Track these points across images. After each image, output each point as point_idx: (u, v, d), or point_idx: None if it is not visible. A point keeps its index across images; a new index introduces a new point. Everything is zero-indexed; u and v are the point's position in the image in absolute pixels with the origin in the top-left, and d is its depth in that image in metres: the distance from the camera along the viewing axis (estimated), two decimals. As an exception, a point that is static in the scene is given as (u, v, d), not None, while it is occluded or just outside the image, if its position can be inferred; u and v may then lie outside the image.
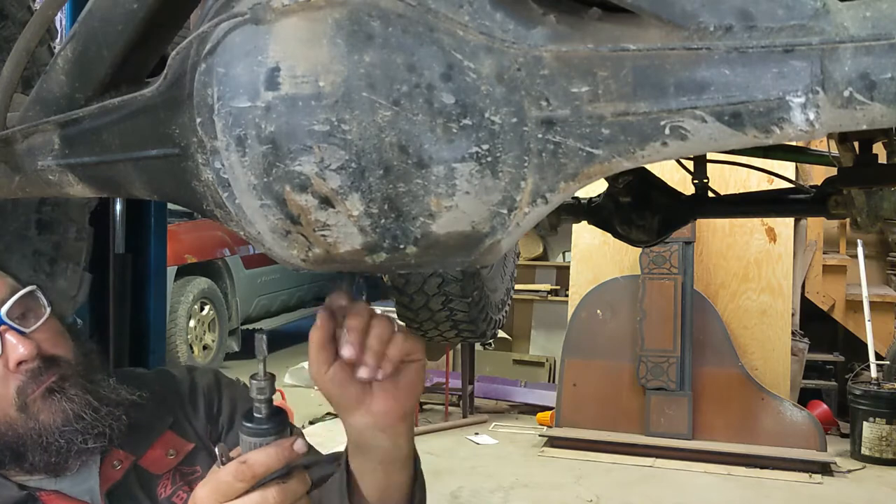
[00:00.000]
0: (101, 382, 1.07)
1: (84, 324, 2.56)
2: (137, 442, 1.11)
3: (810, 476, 4.67)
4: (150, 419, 1.13)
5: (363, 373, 0.85)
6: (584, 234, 5.73)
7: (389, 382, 0.89)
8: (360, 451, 0.95)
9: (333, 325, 0.86)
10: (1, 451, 1.02)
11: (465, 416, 5.84)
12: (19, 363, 1.00)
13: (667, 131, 0.62)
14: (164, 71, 0.76)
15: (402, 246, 0.73)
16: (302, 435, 0.86)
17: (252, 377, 0.87)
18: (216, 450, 0.86)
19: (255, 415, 0.86)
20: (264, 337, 0.85)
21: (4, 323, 1.01)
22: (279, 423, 0.86)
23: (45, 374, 1.02)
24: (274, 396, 0.87)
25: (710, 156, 1.91)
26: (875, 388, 5.05)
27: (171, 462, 1.13)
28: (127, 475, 1.10)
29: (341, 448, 1.01)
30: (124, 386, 1.11)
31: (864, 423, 5.01)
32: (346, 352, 0.85)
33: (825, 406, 5.64)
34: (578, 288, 5.70)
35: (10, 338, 1.01)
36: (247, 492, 0.83)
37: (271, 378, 0.87)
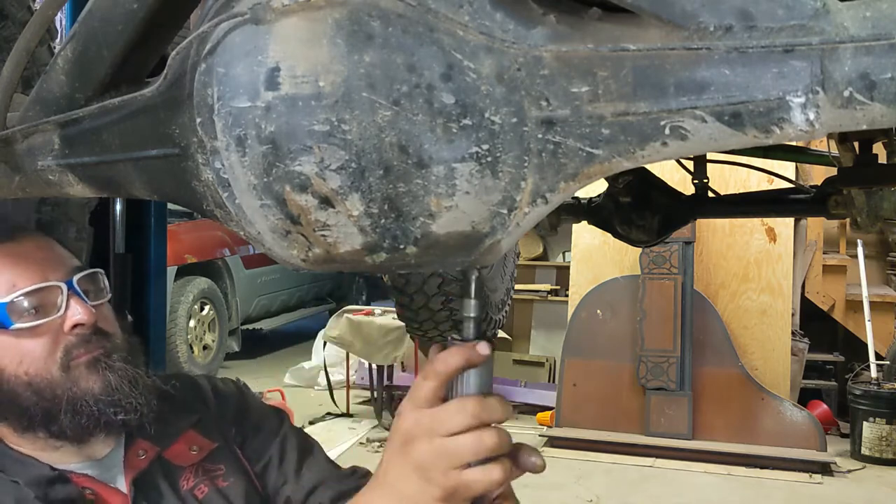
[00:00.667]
0: (140, 368, 1.11)
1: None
2: (162, 435, 1.14)
3: (810, 476, 4.67)
4: (176, 415, 1.16)
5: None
6: (584, 234, 5.73)
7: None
8: (378, 484, 0.90)
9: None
10: (34, 409, 1.04)
11: (465, 416, 5.83)
12: (74, 326, 1.05)
13: (667, 131, 0.62)
14: (164, 71, 0.76)
15: (402, 246, 0.73)
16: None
17: (465, 296, 0.86)
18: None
19: (463, 333, 0.86)
20: (476, 273, 0.85)
21: (73, 288, 1.07)
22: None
23: (94, 343, 1.06)
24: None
25: (710, 156, 1.91)
26: (875, 388, 5.05)
27: (195, 457, 1.16)
28: (152, 465, 1.13)
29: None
30: (158, 377, 1.14)
31: (864, 423, 5.01)
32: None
33: (825, 406, 5.64)
34: (578, 288, 5.70)
35: (74, 303, 1.06)
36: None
37: (482, 301, 0.86)
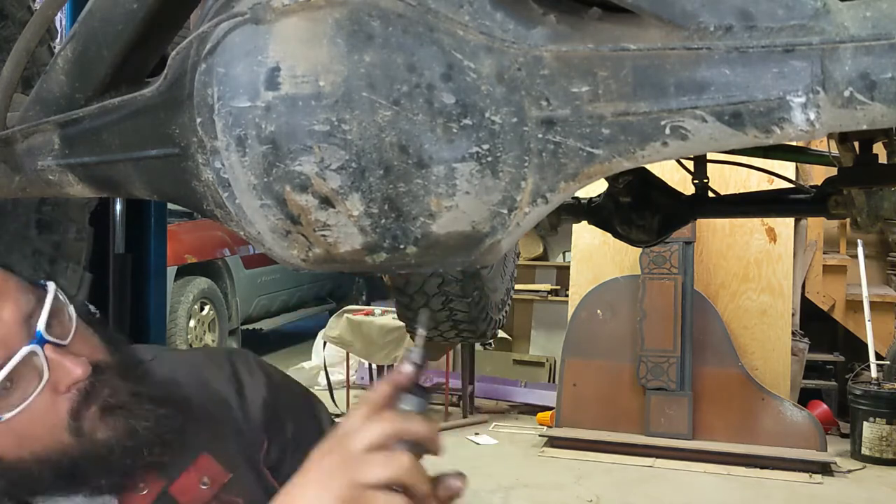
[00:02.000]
0: (144, 379, 0.95)
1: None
2: (170, 462, 0.95)
3: (810, 476, 4.67)
4: (187, 432, 0.96)
5: None
6: (584, 234, 5.73)
7: None
8: None
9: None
10: (55, 482, 0.89)
11: (465, 417, 5.83)
12: (69, 386, 0.87)
13: (667, 131, 0.62)
14: (164, 71, 0.76)
15: (402, 246, 0.73)
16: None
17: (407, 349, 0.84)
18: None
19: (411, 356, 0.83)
20: (426, 312, 0.82)
21: (47, 341, 0.86)
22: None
23: (96, 388, 0.88)
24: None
25: (710, 156, 1.91)
26: (875, 388, 5.05)
27: (205, 494, 0.98)
28: None
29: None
30: (163, 375, 0.98)
31: (865, 423, 5.01)
32: None
33: (825, 406, 5.64)
34: (578, 288, 5.70)
35: (56, 357, 0.86)
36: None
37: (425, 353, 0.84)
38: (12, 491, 0.90)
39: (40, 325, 0.86)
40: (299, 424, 1.10)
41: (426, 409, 0.82)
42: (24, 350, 0.84)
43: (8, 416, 0.85)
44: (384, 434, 0.75)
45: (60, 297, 0.91)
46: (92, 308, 1.01)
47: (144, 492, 0.95)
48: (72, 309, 0.92)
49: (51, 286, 0.91)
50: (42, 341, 0.86)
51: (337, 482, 0.74)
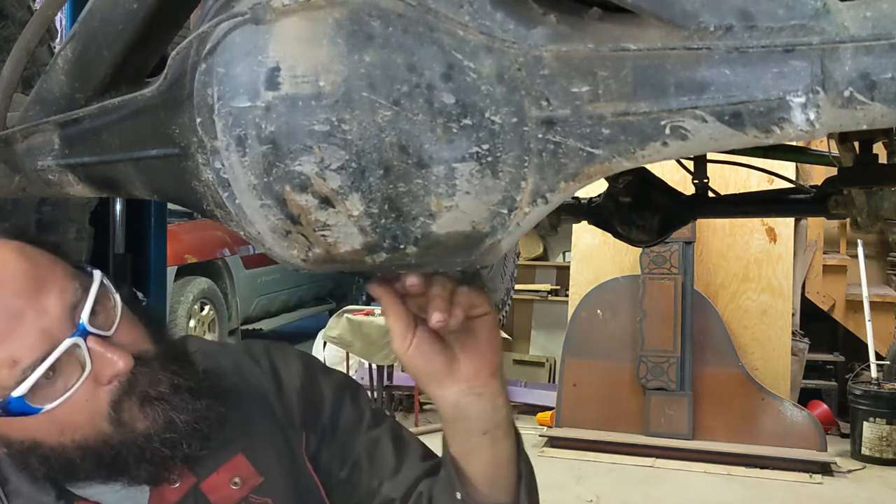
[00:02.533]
0: (189, 370, 0.93)
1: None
2: (204, 459, 0.95)
3: (810, 476, 4.67)
4: (224, 427, 0.94)
5: (436, 318, 0.82)
6: (584, 234, 5.73)
7: (470, 342, 0.87)
8: (460, 428, 0.90)
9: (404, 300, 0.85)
10: (96, 470, 0.90)
11: (465, 416, 5.83)
12: (111, 378, 0.87)
13: (667, 131, 0.62)
14: (164, 71, 0.76)
15: (402, 246, 0.73)
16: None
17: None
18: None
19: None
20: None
21: (90, 333, 0.86)
22: None
23: (139, 379, 0.88)
24: None
25: (710, 156, 1.91)
26: (875, 388, 5.05)
27: (234, 494, 0.98)
28: (184, 499, 0.96)
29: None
30: (205, 368, 0.96)
31: (865, 423, 5.01)
32: (435, 318, 0.82)
33: (825, 406, 5.64)
34: (578, 288, 5.70)
35: (99, 348, 0.86)
36: None
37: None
38: (53, 476, 0.91)
39: (84, 317, 0.86)
40: (336, 409, 1.08)
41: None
42: (67, 343, 0.84)
43: (50, 406, 0.85)
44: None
45: (106, 284, 0.91)
46: (140, 295, 1.01)
47: (176, 485, 0.95)
48: (118, 297, 0.91)
49: (97, 274, 0.91)
50: (85, 333, 0.85)
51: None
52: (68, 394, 0.85)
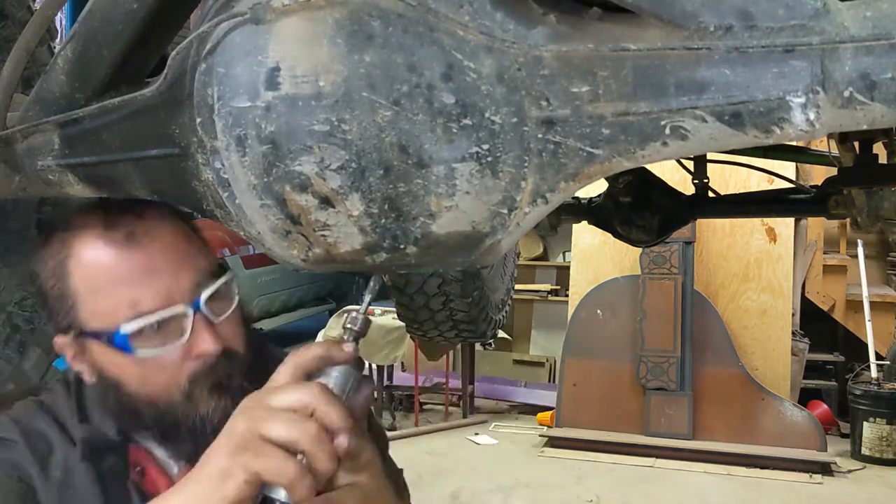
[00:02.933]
0: (260, 379, 0.99)
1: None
2: None
3: (810, 476, 4.67)
4: None
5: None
6: (584, 234, 5.73)
7: None
8: None
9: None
10: (153, 426, 1.00)
11: (465, 417, 5.84)
12: (200, 354, 0.97)
13: (667, 131, 0.62)
14: (164, 71, 0.76)
15: (402, 246, 0.73)
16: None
17: (346, 311, 0.89)
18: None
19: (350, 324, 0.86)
20: (378, 280, 0.87)
21: (200, 310, 0.97)
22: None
23: (219, 367, 0.98)
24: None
25: (710, 156, 1.91)
26: (875, 388, 5.05)
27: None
28: None
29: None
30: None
31: (865, 423, 5.01)
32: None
33: (825, 406, 5.64)
34: (578, 288, 5.70)
35: (200, 329, 0.97)
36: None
37: (367, 319, 0.85)
38: (120, 416, 1.01)
39: (203, 296, 0.97)
40: None
41: (354, 385, 0.82)
42: (181, 308, 0.95)
43: (142, 353, 0.95)
44: (300, 402, 0.78)
45: (232, 282, 1.04)
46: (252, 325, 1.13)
47: None
48: (237, 299, 1.04)
49: (228, 266, 1.04)
50: (197, 308, 0.97)
51: (240, 428, 0.77)
52: (162, 350, 0.96)
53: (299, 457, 0.76)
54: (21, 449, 0.98)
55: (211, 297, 0.98)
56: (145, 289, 0.95)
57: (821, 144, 2.59)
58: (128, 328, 0.94)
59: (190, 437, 0.98)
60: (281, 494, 0.75)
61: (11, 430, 1.00)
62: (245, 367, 1.00)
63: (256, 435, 0.76)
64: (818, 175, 4.71)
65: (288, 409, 0.77)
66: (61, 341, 1.01)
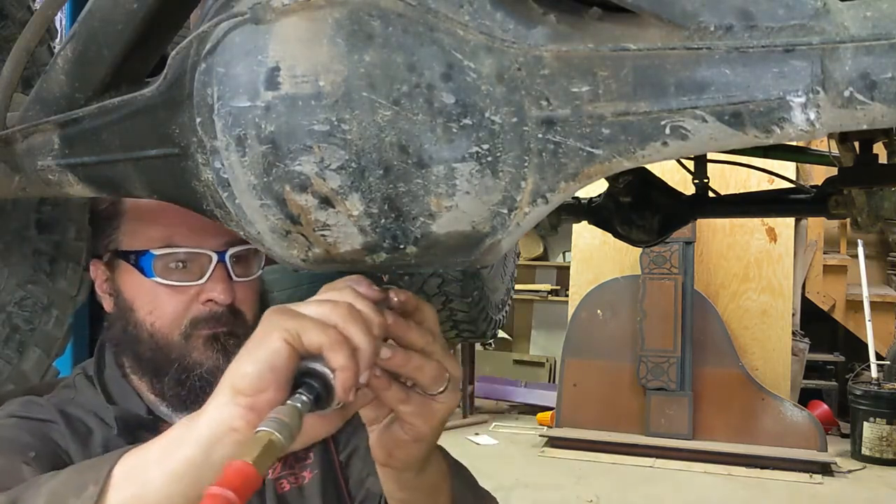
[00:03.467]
0: None
1: (84, 324, 2.56)
2: None
3: (811, 476, 4.67)
4: None
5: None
6: (584, 234, 5.73)
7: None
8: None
9: None
10: (146, 359, 1.05)
11: (465, 417, 5.84)
12: (209, 300, 1.03)
13: (667, 131, 0.62)
14: (164, 71, 0.76)
15: (402, 246, 0.73)
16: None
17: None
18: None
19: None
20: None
21: (223, 261, 1.04)
22: None
23: (223, 320, 1.04)
24: None
25: (710, 156, 1.91)
26: (875, 388, 5.05)
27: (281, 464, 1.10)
28: None
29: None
30: None
31: (865, 423, 5.01)
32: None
33: (825, 406, 5.64)
34: (578, 288, 5.70)
35: (218, 275, 1.03)
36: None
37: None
38: (122, 340, 1.08)
39: (230, 251, 1.04)
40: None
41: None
42: (208, 251, 1.03)
43: (160, 279, 1.03)
44: (331, 297, 0.73)
45: (257, 260, 1.09)
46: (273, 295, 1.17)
47: None
48: (259, 272, 1.09)
49: (257, 249, 1.04)
50: (222, 259, 1.04)
51: (277, 317, 0.71)
52: (176, 283, 1.03)
53: None
54: (62, 429, 1.01)
55: (236, 260, 1.05)
56: (181, 227, 1.02)
57: (821, 144, 2.60)
58: (157, 251, 1.02)
59: (179, 383, 1.03)
60: (321, 367, 0.69)
61: (53, 413, 1.03)
62: (247, 333, 0.96)
63: (294, 315, 0.71)
64: (818, 175, 4.71)
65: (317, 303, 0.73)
66: (96, 265, 1.10)
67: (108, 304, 1.10)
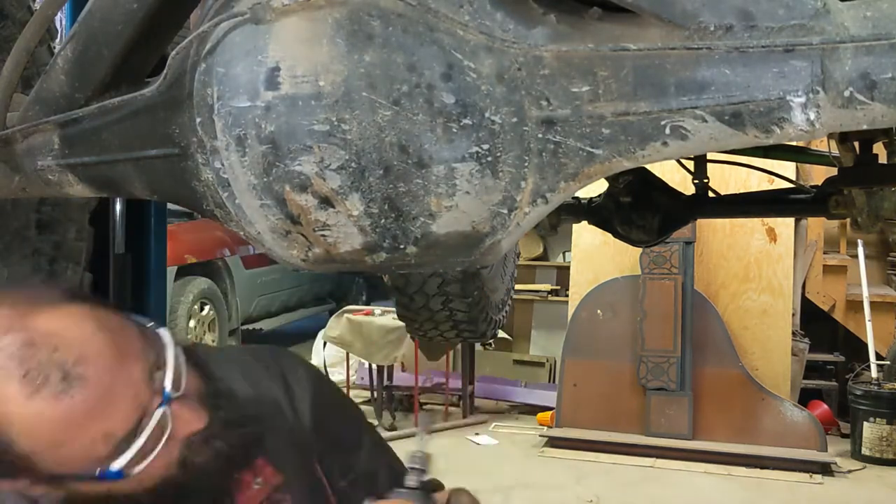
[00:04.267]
0: (231, 403, 0.97)
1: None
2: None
3: (811, 476, 4.67)
4: (248, 437, 0.98)
5: None
6: (584, 234, 5.73)
7: None
8: None
9: None
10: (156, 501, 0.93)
11: (465, 417, 5.83)
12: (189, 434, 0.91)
13: (667, 131, 0.62)
14: (164, 71, 0.76)
15: (402, 246, 0.73)
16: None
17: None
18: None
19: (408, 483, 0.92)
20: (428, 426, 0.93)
21: (170, 398, 0.88)
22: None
23: (207, 431, 0.92)
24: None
25: (710, 156, 1.91)
26: (875, 388, 5.05)
27: (257, 494, 1.03)
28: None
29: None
30: (236, 390, 1.00)
31: (865, 423, 5.01)
32: None
33: (825, 406, 5.63)
34: (578, 288, 5.70)
35: (177, 409, 0.89)
36: None
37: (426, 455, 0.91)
38: None
39: (167, 385, 0.87)
40: (339, 424, 1.14)
41: None
42: (158, 413, 0.86)
43: (137, 470, 0.87)
44: None
45: (172, 346, 0.91)
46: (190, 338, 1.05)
47: None
48: (181, 351, 0.92)
49: (166, 337, 0.91)
50: (170, 400, 0.87)
51: None
52: (152, 457, 0.87)
53: None
54: None
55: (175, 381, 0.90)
56: (111, 417, 0.84)
57: (821, 144, 2.59)
58: (118, 464, 0.85)
59: (202, 490, 0.94)
60: None
61: None
62: (214, 400, 0.94)
63: None
64: (818, 175, 4.71)
65: None
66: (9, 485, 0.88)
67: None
